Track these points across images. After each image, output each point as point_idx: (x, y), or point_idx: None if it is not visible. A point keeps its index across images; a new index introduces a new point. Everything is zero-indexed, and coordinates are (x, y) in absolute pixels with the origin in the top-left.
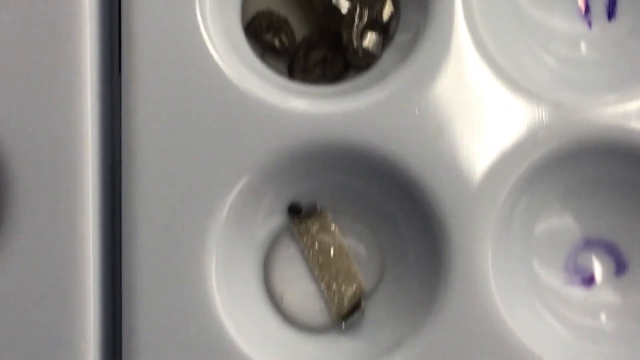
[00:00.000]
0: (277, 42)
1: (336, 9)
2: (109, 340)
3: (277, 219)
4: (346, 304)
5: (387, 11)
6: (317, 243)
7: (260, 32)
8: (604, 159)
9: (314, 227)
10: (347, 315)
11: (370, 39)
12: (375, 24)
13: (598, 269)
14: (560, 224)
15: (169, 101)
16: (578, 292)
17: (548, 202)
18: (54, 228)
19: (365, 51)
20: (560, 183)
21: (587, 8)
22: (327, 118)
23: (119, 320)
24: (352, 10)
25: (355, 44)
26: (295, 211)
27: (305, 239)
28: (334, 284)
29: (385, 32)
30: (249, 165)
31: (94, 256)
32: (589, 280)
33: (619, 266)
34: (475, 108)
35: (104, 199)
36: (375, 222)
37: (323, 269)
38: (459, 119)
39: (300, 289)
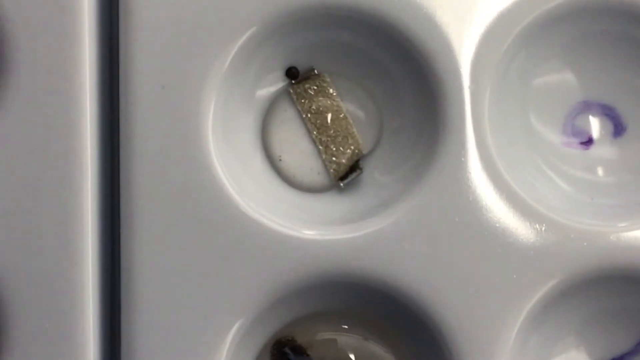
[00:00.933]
0: None
1: None
2: (108, 200)
3: (275, 82)
4: (344, 163)
5: None
6: (314, 106)
7: None
8: (600, 17)
9: (312, 90)
10: (345, 176)
11: None
12: None
13: (596, 131)
14: (559, 80)
15: None
16: (576, 150)
17: (547, 57)
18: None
19: None
20: (560, 39)
21: None
22: None
23: (117, 174)
24: None
25: None
26: (292, 75)
27: (303, 102)
28: (332, 145)
29: None
30: (246, 22)
31: (90, 109)
32: (587, 143)
33: (617, 129)
34: None
35: (102, 54)
36: (373, 84)
37: (321, 131)
38: None
39: (298, 151)
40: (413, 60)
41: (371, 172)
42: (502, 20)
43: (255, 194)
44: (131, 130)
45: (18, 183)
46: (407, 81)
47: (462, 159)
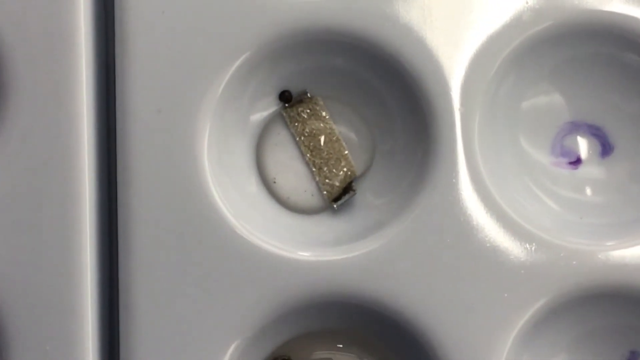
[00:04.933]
0: None
1: None
2: (105, 222)
3: (268, 105)
4: (338, 184)
5: None
6: (307, 129)
7: None
8: (587, 41)
9: (305, 114)
10: (339, 197)
11: None
12: None
13: (584, 151)
14: (548, 102)
15: None
16: (565, 170)
17: (535, 81)
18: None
19: None
20: (546, 63)
21: None
22: (316, 3)
23: (114, 202)
24: None
25: None
26: (285, 98)
27: (296, 125)
28: (325, 167)
29: None
30: (240, 47)
31: (88, 134)
32: (575, 163)
33: (605, 148)
34: None
35: (98, 77)
36: (365, 107)
37: (314, 154)
38: (447, 4)
39: (292, 173)
40: (404, 83)
41: (364, 193)
42: (491, 44)
43: (251, 216)
44: (128, 154)
45: (19, 202)
46: (399, 104)
47: (453, 180)
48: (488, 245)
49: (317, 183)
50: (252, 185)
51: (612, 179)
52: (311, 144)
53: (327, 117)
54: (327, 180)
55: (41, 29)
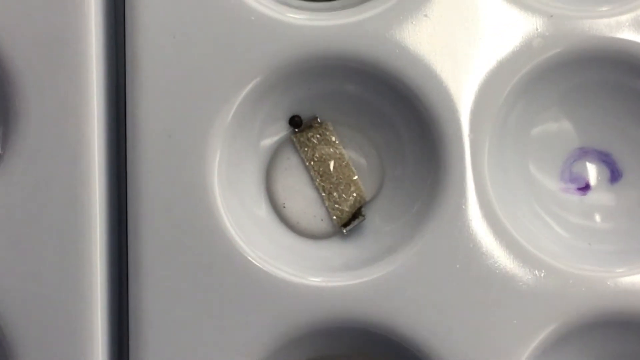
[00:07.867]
0: None
1: None
2: (115, 245)
3: (278, 130)
4: (347, 210)
5: None
6: (317, 154)
7: None
8: (596, 67)
9: (315, 139)
10: (348, 222)
11: None
12: None
13: (593, 177)
14: (557, 129)
15: (175, 10)
16: (574, 197)
17: (544, 107)
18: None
19: None
20: (556, 89)
21: None
22: (326, 30)
23: (125, 226)
24: None
25: None
26: (295, 124)
27: (306, 150)
28: (335, 192)
29: None
30: (250, 73)
31: (99, 157)
32: (584, 189)
33: (614, 174)
34: (471, 19)
35: (109, 101)
36: (375, 132)
37: (324, 179)
38: (456, 31)
39: (302, 198)
40: (414, 109)
41: (373, 219)
42: (501, 71)
43: (261, 241)
44: (139, 178)
45: (28, 226)
46: (409, 130)
47: (463, 207)
48: (497, 271)
49: (326, 208)
50: (262, 209)
51: (621, 205)
52: (321, 169)
53: (336, 142)
54: (336, 206)
55: (52, 52)
